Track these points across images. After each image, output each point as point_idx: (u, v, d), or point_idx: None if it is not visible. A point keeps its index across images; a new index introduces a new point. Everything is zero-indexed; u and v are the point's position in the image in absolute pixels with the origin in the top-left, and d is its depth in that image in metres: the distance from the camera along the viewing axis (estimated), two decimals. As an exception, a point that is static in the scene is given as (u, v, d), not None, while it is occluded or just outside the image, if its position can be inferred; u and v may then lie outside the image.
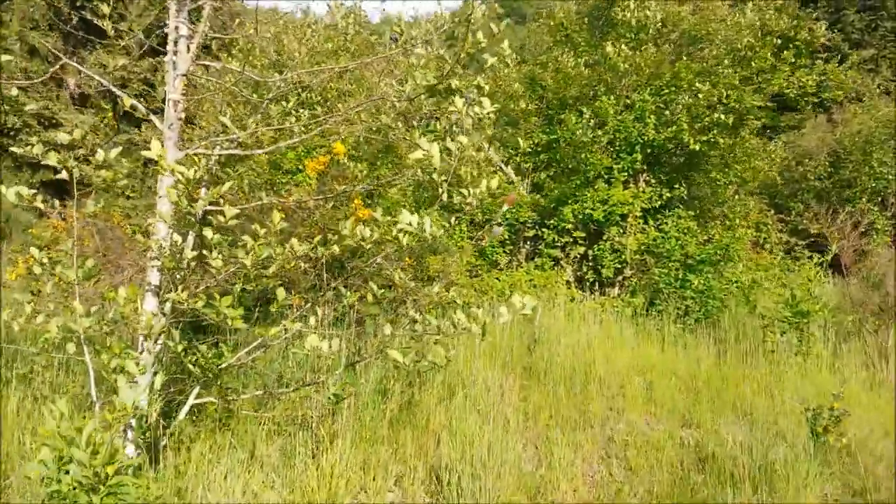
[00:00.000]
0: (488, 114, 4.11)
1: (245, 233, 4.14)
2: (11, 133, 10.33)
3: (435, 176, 4.18)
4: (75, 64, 4.52)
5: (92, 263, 4.74)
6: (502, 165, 9.46)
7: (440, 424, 4.42)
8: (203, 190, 5.15)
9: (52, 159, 4.24)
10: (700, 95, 8.89)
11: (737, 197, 10.84)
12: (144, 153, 3.61)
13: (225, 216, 3.85)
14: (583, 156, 9.13)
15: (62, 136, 4.18)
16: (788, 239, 12.56)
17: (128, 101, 4.38)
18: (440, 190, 4.34)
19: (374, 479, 4.04)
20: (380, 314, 5.58)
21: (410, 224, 3.92)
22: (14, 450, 4.07)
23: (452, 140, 4.23)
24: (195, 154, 4.56)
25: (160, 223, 4.20)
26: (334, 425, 4.36)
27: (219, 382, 4.62)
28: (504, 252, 9.13)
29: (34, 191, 4.14)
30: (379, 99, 4.93)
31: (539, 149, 9.67)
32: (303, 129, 5.04)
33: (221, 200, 5.56)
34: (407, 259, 6.98)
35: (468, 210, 4.27)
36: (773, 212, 13.00)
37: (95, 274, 4.79)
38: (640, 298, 8.86)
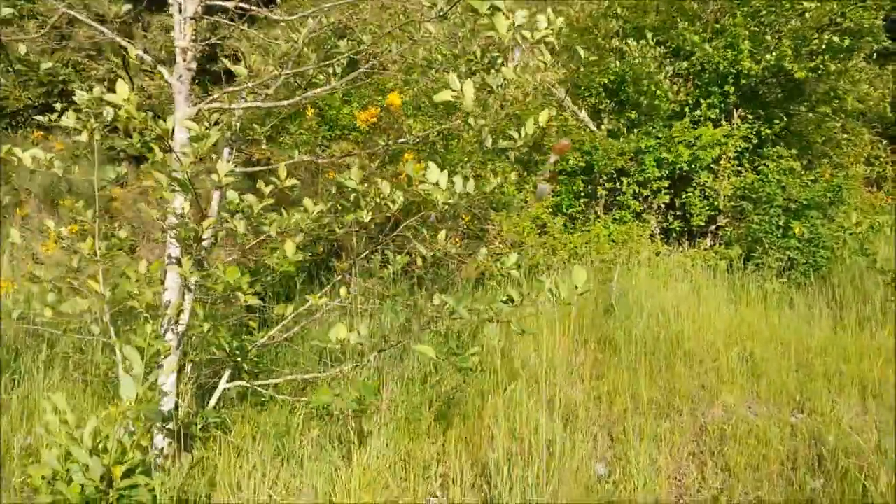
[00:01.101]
0: (544, 38, 3.19)
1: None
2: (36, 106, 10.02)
3: (471, 121, 3.36)
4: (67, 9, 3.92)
5: (124, 234, 4.24)
6: (576, 110, 8.44)
7: (493, 415, 3.67)
8: (226, 150, 4.48)
9: (70, 119, 3.70)
10: (807, 15, 7.56)
11: (847, 129, 9.40)
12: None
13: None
14: (647, 89, 7.97)
15: (79, 95, 3.61)
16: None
17: (133, 52, 3.75)
18: (481, 136, 3.52)
19: (413, 482, 3.35)
20: (400, 296, 4.82)
21: (438, 183, 3.14)
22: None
23: (495, 72, 3.37)
24: (211, 109, 3.90)
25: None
26: (370, 417, 3.69)
27: (247, 366, 4.03)
28: (580, 204, 8.18)
29: (51, 155, 3.64)
30: (406, 22, 4.08)
31: (614, 87, 8.56)
32: (336, 74, 4.28)
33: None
34: (464, 217, 6.19)
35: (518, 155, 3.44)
36: (885, 142, 11.34)
37: (124, 247, 4.28)
38: (736, 250, 7.76)
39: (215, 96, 3.85)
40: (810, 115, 8.57)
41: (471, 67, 4.24)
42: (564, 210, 8.02)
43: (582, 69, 8.31)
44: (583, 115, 8.48)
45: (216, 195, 4.07)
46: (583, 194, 8.20)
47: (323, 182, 6.37)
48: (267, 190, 3.68)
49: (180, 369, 3.76)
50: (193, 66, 3.80)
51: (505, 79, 3.33)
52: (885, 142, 11.33)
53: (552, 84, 8.00)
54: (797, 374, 4.47)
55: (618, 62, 8.33)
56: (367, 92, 7.23)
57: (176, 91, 3.69)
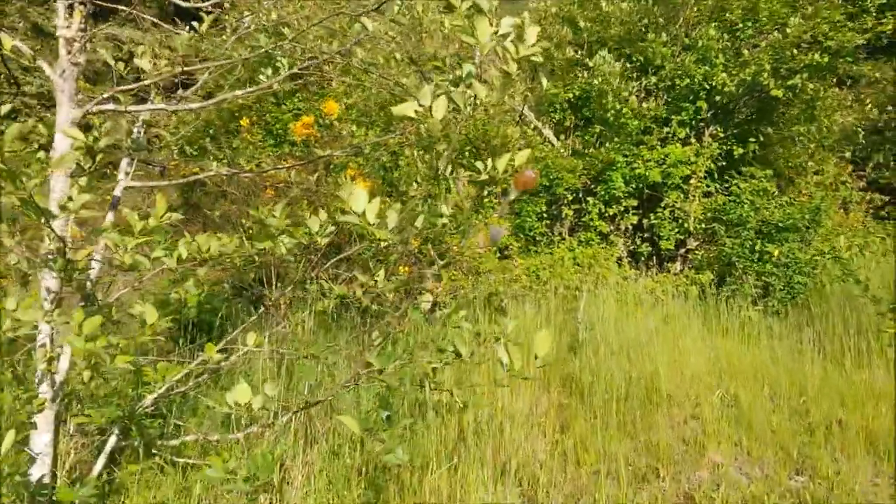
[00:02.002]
0: (529, 55, 2.50)
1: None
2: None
3: (440, 146, 2.70)
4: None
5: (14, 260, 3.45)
6: (541, 126, 7.82)
7: (436, 487, 2.95)
8: (124, 162, 3.70)
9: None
10: (788, 30, 7.06)
11: (812, 156, 8.95)
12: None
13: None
14: (611, 106, 7.40)
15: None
16: (872, 196, 10.54)
17: (8, 43, 2.99)
18: (438, 162, 2.86)
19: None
20: (323, 348, 4.06)
21: (365, 215, 2.43)
22: None
23: (464, 88, 2.69)
24: (103, 112, 3.15)
25: (54, 210, 2.81)
26: (282, 490, 2.94)
27: (134, 426, 3.26)
28: (543, 225, 7.54)
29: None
30: (334, 15, 3.40)
31: (579, 102, 7.97)
32: (270, 76, 3.58)
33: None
34: (413, 241, 5.48)
35: (492, 185, 2.77)
36: (851, 167, 10.97)
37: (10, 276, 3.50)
38: (708, 275, 7.19)
39: (104, 96, 3.09)
40: (784, 135, 8.07)
41: (426, 74, 3.51)
42: (526, 231, 7.38)
43: (546, 83, 7.70)
44: (546, 131, 7.87)
45: (109, 215, 3.30)
46: (545, 215, 7.57)
47: (258, 203, 5.62)
48: (162, 209, 2.95)
49: (59, 426, 2.99)
50: (81, 59, 3.07)
51: (475, 98, 2.65)
52: (850, 167, 10.97)
53: (515, 99, 7.38)
54: (790, 423, 3.82)
55: (585, 74, 7.75)
56: (305, 97, 6.51)
57: (58, 90, 2.95)
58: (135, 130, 3.57)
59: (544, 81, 3.37)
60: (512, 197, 2.13)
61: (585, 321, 5.03)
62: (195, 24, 3.24)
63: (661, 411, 4.02)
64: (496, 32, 2.28)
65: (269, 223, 3.08)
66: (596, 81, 7.51)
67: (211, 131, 6.33)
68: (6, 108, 3.05)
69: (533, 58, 2.21)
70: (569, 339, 4.86)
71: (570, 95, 7.84)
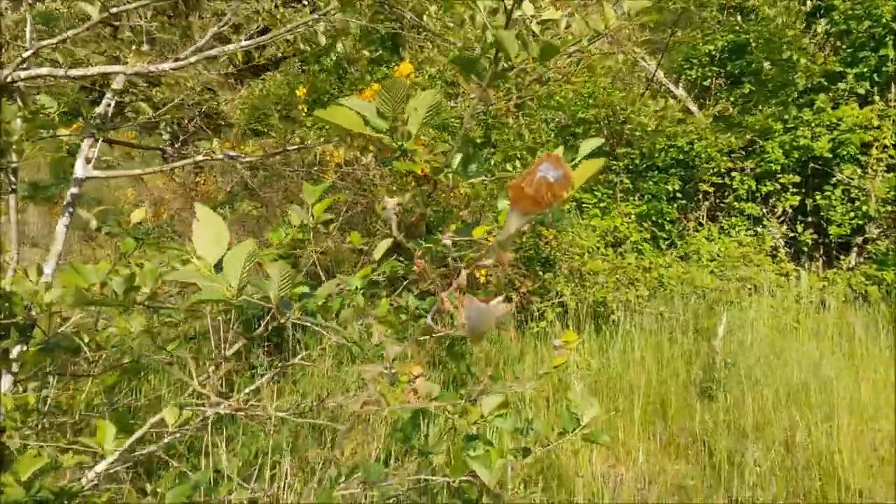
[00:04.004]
0: None
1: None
2: None
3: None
4: None
5: None
6: (670, 85, 6.28)
7: None
8: (85, 143, 2.68)
9: None
10: None
11: None
12: None
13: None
14: (788, 55, 5.71)
15: None
16: None
17: None
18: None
19: None
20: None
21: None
22: None
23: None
24: (33, 77, 2.21)
25: None
26: None
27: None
28: (674, 208, 6.05)
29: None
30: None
31: (724, 56, 6.32)
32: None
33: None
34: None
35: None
36: None
37: None
38: (894, 271, 5.45)
39: (25, 55, 2.09)
40: None
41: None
42: (653, 218, 5.92)
43: (679, 33, 6.13)
44: (680, 92, 6.31)
45: (62, 221, 2.33)
46: (679, 196, 6.07)
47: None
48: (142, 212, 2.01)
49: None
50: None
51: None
52: None
53: (638, 53, 5.89)
54: None
55: (738, 18, 6.09)
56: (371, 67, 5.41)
57: None
58: (104, 102, 2.55)
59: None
60: (513, 226, 0.88)
61: (725, 349, 3.61)
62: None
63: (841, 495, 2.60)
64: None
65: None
66: (774, 21, 5.84)
67: (278, 106, 5.43)
68: None
69: None
70: (700, 376, 3.48)
71: (712, 48, 6.21)
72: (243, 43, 2.30)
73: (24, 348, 1.76)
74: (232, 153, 2.56)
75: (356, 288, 1.57)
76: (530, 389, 1.57)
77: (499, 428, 1.68)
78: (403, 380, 1.34)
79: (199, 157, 2.49)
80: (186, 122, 5.36)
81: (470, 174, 1.73)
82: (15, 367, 1.86)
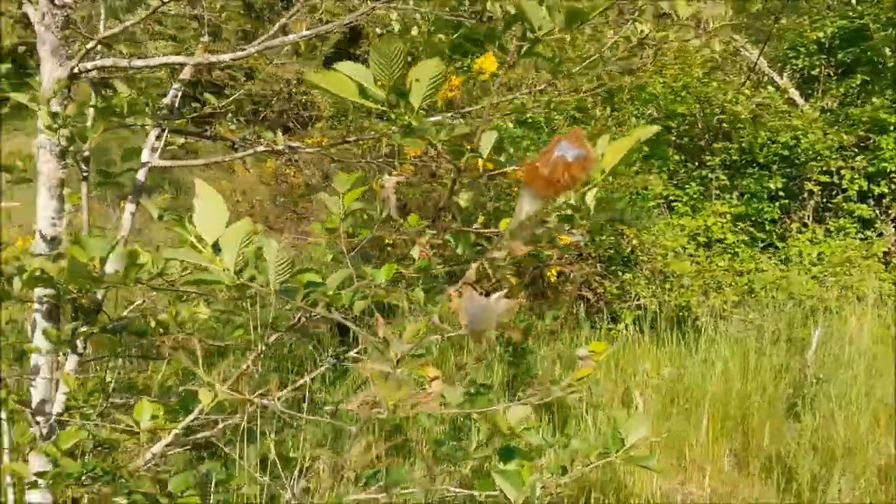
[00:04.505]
0: None
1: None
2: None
3: None
4: None
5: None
6: (774, 75, 5.84)
7: None
8: (152, 134, 2.75)
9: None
10: None
11: None
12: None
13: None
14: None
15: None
16: None
17: None
18: None
19: None
20: None
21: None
22: None
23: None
24: (98, 67, 2.26)
25: (42, 192, 1.99)
26: None
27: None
28: (776, 208, 5.63)
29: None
30: None
31: (834, 44, 5.81)
32: None
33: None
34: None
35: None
36: None
37: None
38: None
39: (89, 46, 2.14)
40: None
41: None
42: (752, 218, 5.52)
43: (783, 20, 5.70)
44: (784, 81, 5.86)
45: (129, 207, 2.40)
46: (781, 194, 5.64)
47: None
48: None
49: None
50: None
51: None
52: None
53: (739, 41, 5.52)
54: None
55: (854, 2, 5.61)
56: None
57: (39, 41, 2.09)
58: (170, 92, 2.60)
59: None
60: (525, 210, 0.77)
61: (818, 362, 3.30)
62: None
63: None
64: None
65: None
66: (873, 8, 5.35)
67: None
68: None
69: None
70: (789, 392, 3.19)
71: (821, 34, 5.73)
72: (304, 33, 2.27)
73: (89, 329, 1.79)
74: (293, 144, 2.54)
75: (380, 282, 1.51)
76: (556, 396, 1.44)
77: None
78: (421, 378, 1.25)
79: (260, 149, 2.48)
80: (269, 112, 5.48)
81: (502, 161, 1.61)
82: (80, 348, 1.89)
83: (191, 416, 1.98)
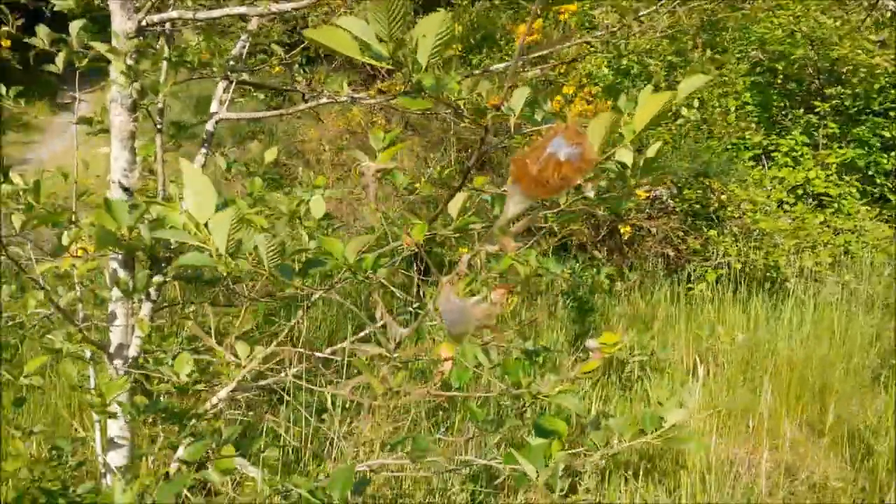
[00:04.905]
0: None
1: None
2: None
3: None
4: None
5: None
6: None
7: None
8: (220, 86, 2.81)
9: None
10: None
11: None
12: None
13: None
14: None
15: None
16: None
17: None
18: None
19: None
20: None
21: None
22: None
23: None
24: (165, 20, 2.32)
25: (115, 143, 2.13)
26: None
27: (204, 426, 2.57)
28: (892, 158, 5.13)
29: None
30: None
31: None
32: None
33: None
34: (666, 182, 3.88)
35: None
36: None
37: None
38: None
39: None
40: None
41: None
42: (860, 169, 5.09)
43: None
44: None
45: (198, 160, 2.51)
46: (897, 144, 5.15)
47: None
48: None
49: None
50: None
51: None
52: None
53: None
54: None
55: None
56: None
57: None
58: (238, 44, 2.64)
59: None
60: (513, 209, 0.71)
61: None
62: None
63: None
64: None
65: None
66: None
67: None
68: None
69: None
70: (877, 363, 3.00)
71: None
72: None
73: (161, 278, 1.89)
74: (355, 94, 2.53)
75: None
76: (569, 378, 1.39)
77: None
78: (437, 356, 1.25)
79: (324, 100, 2.49)
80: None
81: (537, 120, 1.53)
82: (154, 295, 1.99)
83: (254, 363, 2.08)
